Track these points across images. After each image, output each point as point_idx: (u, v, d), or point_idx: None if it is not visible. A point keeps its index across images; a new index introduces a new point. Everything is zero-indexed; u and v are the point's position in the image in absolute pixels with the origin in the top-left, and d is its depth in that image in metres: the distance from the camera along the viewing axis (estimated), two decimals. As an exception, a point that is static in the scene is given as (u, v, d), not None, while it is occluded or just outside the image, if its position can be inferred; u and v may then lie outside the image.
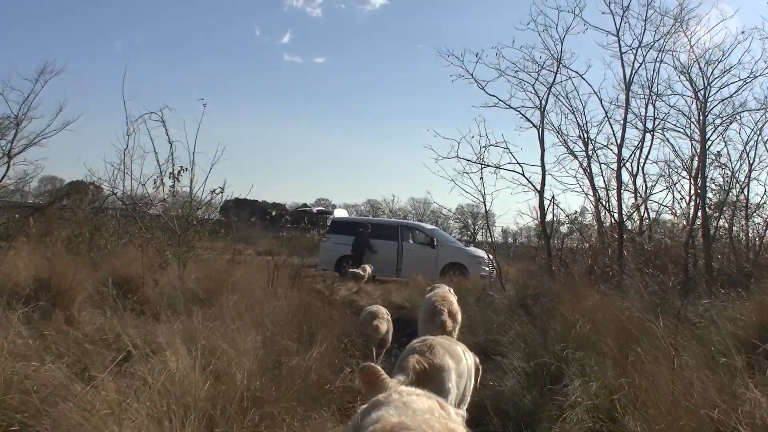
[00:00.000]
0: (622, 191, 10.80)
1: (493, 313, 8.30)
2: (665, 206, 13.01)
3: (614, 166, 11.83)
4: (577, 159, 12.20)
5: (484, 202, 12.54)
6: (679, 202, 13.03)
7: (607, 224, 12.66)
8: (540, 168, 10.83)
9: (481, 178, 12.21)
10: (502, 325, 7.36)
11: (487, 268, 19.17)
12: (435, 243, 20.12)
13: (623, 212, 10.43)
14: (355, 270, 18.23)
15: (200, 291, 6.80)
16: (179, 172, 11.13)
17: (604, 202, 12.00)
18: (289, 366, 4.01)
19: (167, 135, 9.85)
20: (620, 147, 10.79)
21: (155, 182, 9.45)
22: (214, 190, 9.94)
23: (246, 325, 4.92)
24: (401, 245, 20.26)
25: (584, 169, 12.21)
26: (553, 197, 10.94)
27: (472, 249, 21.11)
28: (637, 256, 10.71)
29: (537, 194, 10.71)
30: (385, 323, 6.73)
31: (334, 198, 63.63)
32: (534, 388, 4.82)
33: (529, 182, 10.94)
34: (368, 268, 18.26)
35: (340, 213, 28.04)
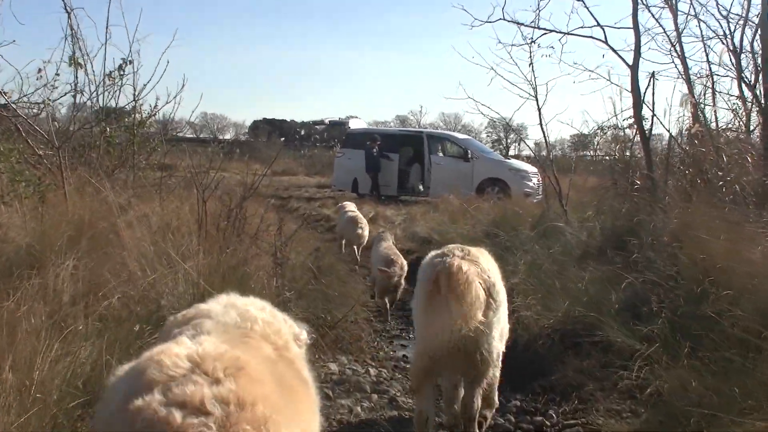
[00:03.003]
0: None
1: (572, 261, 4.96)
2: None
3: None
4: (663, 31, 8.46)
5: (536, 96, 8.99)
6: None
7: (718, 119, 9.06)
8: (633, 32, 7.09)
9: (530, 64, 8.61)
10: (597, 288, 4.13)
11: (531, 184, 15.91)
12: (469, 155, 16.62)
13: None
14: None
15: (45, 246, 3.71)
16: (121, 66, 7.89)
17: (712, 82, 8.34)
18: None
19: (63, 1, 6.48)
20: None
21: (40, 71, 6.11)
22: (110, 73, 6.63)
23: None
24: (429, 159, 16.86)
25: (674, 45, 8.50)
26: (653, 74, 7.20)
27: (513, 161, 18.00)
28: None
29: (629, 71, 7.05)
30: (366, 229, 8.73)
31: (364, 116, 59.69)
32: None
33: (615, 52, 7.23)
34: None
35: (356, 124, 24.29)
